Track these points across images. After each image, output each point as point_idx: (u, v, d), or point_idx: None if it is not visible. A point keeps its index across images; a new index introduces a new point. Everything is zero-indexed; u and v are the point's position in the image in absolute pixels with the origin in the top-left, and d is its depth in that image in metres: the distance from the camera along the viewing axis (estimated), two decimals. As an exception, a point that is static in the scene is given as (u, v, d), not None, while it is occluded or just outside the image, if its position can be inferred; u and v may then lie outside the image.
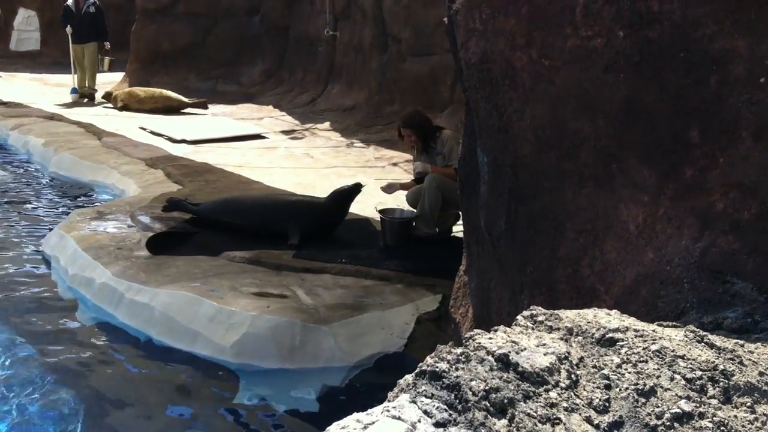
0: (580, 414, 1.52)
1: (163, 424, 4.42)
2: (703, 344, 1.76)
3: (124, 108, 13.51)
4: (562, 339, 1.73)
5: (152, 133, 11.45)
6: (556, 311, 1.84)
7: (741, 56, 2.27)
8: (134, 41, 16.05)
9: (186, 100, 13.70)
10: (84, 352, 5.19)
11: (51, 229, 7.19)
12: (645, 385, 1.60)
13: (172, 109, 13.40)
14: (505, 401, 1.49)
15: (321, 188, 8.10)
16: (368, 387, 4.67)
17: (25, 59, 20.49)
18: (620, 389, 1.59)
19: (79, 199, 9.00)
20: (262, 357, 4.85)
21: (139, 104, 13.47)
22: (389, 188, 6.77)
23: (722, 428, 1.55)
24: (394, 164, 9.48)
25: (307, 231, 6.36)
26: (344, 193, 6.62)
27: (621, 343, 1.70)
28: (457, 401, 1.49)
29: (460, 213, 4.27)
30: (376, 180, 8.52)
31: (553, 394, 1.54)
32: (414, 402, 1.50)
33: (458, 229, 6.06)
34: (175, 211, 6.92)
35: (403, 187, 6.81)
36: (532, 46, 2.72)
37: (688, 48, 2.36)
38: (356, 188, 6.62)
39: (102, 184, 9.18)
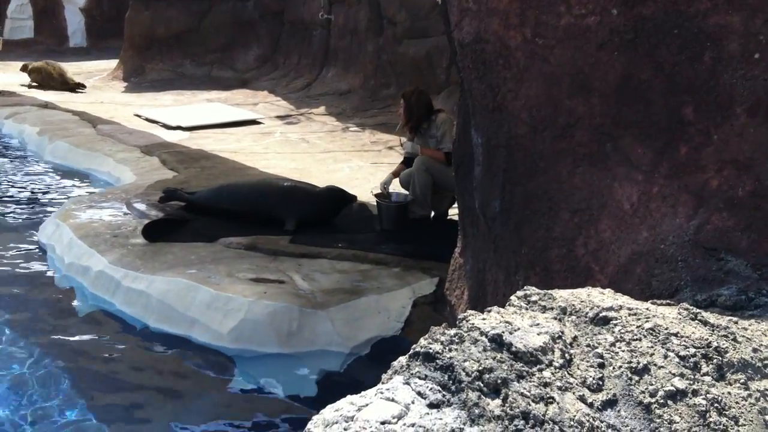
0: (573, 393, 1.52)
1: (161, 409, 4.42)
2: (696, 322, 1.75)
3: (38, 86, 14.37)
4: (555, 318, 1.72)
5: (147, 120, 11.40)
6: (549, 291, 1.83)
7: (735, 32, 2.26)
8: (128, 27, 15.92)
9: (69, 82, 14.43)
10: (81, 340, 5.19)
11: (47, 218, 7.17)
12: (638, 363, 1.59)
13: (55, 87, 14.20)
14: (499, 381, 1.48)
15: (317, 173, 8.07)
16: (365, 371, 4.67)
17: (19, 48, 20.35)
18: (614, 367, 1.59)
19: (74, 187, 8.97)
20: (259, 342, 4.85)
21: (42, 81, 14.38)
22: (385, 184, 6.70)
23: (716, 405, 1.54)
24: (390, 148, 9.45)
25: (303, 217, 6.35)
26: (340, 191, 6.61)
27: (614, 322, 1.70)
28: (451, 382, 1.49)
29: (455, 196, 4.26)
30: (372, 164, 8.51)
31: (546, 373, 1.53)
32: (408, 383, 1.49)
33: (454, 212, 6.05)
34: (171, 201, 6.91)
35: (394, 174, 6.79)
36: (526, 25, 2.70)
37: (682, 24, 2.34)
38: (352, 198, 6.59)
39: (97, 172, 9.14)
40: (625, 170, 2.46)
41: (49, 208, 7.97)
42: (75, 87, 14.43)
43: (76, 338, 5.23)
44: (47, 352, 5.00)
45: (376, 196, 6.48)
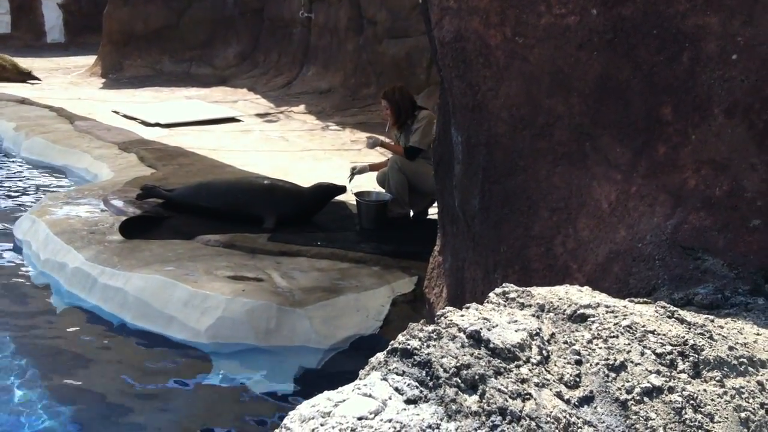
0: (550, 389, 1.52)
1: (138, 408, 4.38)
2: (673, 320, 1.76)
3: None
4: (533, 315, 1.73)
5: (125, 116, 11.31)
6: (528, 288, 1.83)
7: (713, 33, 2.27)
8: (107, 23, 15.79)
9: (24, 71, 14.52)
10: (57, 338, 5.13)
11: (23, 214, 7.09)
12: (615, 360, 1.60)
13: (10, 79, 14.27)
14: (476, 377, 1.48)
15: (296, 171, 8.04)
16: (344, 369, 4.66)
17: (-5, 43, 20.13)
18: (591, 364, 1.59)
19: (51, 183, 8.88)
20: (237, 340, 4.82)
21: None
22: (359, 172, 6.76)
23: (691, 402, 1.55)
24: (371, 147, 9.43)
25: (282, 215, 6.33)
26: (328, 189, 6.58)
27: (592, 319, 1.70)
28: (428, 378, 1.48)
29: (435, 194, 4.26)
30: (352, 163, 8.49)
31: (524, 369, 1.53)
32: (385, 379, 1.49)
33: (434, 212, 6.06)
34: (149, 198, 6.86)
35: (372, 168, 6.83)
36: (506, 23, 2.70)
37: (661, 25, 2.35)
38: (341, 189, 6.58)
39: (74, 169, 9.05)
40: (604, 169, 2.47)
41: (25, 204, 7.88)
42: (28, 77, 14.42)
43: (52, 335, 5.17)
44: (22, 350, 4.94)
45: (356, 195, 6.47)
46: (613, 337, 1.65)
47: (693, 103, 2.31)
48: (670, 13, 2.34)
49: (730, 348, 1.70)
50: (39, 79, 14.59)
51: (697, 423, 1.52)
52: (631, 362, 1.59)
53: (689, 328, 1.72)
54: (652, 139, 2.37)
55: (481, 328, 1.60)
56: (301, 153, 9.34)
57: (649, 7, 2.38)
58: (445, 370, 1.49)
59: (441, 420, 1.38)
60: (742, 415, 1.58)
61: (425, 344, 1.56)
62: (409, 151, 6.36)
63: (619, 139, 2.44)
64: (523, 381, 1.50)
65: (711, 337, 1.72)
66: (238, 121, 11.33)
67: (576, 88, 2.54)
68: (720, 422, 1.54)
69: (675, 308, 1.82)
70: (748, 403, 1.60)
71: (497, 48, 2.74)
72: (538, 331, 1.64)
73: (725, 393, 1.60)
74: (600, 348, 1.62)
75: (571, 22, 2.54)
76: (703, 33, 2.29)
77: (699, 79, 2.30)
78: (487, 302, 1.82)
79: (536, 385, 1.51)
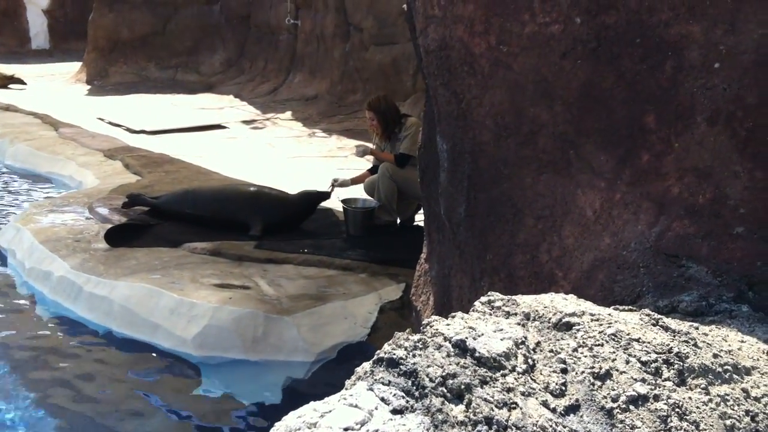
0: (536, 398, 1.52)
1: (124, 417, 4.36)
2: (658, 327, 1.77)
3: None
4: (519, 324, 1.73)
5: (110, 123, 11.27)
6: (513, 296, 1.84)
7: (696, 42, 2.29)
8: (92, 29, 15.74)
9: (6, 75, 14.58)
10: (42, 347, 5.10)
11: (7, 223, 7.04)
12: (601, 368, 1.61)
13: None
14: (462, 387, 1.48)
15: (283, 178, 8.04)
16: (331, 377, 4.66)
17: (-21, 49, 20.02)
18: (576, 373, 1.60)
19: (35, 191, 8.82)
20: (224, 348, 4.80)
21: None
22: (340, 185, 6.75)
23: (677, 410, 1.56)
24: (357, 154, 9.43)
25: (269, 223, 6.31)
26: (313, 196, 6.57)
27: (577, 327, 1.71)
28: (414, 388, 1.48)
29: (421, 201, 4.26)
30: (339, 169, 8.50)
31: (509, 378, 1.54)
32: (371, 389, 1.48)
33: (420, 218, 6.06)
34: (135, 206, 6.83)
35: (354, 181, 6.81)
36: (491, 32, 2.71)
37: (645, 34, 2.37)
38: (325, 195, 6.57)
39: (59, 176, 9.01)
40: (588, 177, 2.48)
41: (9, 213, 7.83)
42: (11, 81, 14.42)
43: (37, 345, 5.13)
44: (5, 360, 4.90)
45: (343, 201, 6.48)
46: (599, 345, 1.66)
47: (676, 112, 2.32)
48: (653, 22, 2.36)
49: (715, 355, 1.71)
50: (24, 83, 14.51)
51: (682, 431, 1.53)
52: (617, 370, 1.60)
53: (674, 336, 1.73)
54: (636, 147, 2.39)
55: (466, 337, 1.60)
56: (287, 160, 9.34)
57: (632, 16, 2.39)
58: (431, 380, 1.49)
59: (427, 430, 1.38)
60: (728, 422, 1.59)
61: (411, 354, 1.56)
62: (400, 158, 6.38)
63: (603, 147, 2.45)
64: (509, 390, 1.51)
65: (696, 345, 1.73)
66: (224, 128, 11.31)
67: (560, 96, 2.55)
68: (705, 430, 1.55)
69: (659, 316, 1.83)
70: (733, 410, 1.61)
71: (481, 56, 2.75)
72: (523, 339, 1.64)
73: (710, 400, 1.61)
74: (585, 356, 1.63)
75: (555, 30, 2.55)
76: (686, 42, 2.31)
77: (682, 87, 2.31)
78: (473, 311, 1.82)
79: (522, 394, 1.51)
